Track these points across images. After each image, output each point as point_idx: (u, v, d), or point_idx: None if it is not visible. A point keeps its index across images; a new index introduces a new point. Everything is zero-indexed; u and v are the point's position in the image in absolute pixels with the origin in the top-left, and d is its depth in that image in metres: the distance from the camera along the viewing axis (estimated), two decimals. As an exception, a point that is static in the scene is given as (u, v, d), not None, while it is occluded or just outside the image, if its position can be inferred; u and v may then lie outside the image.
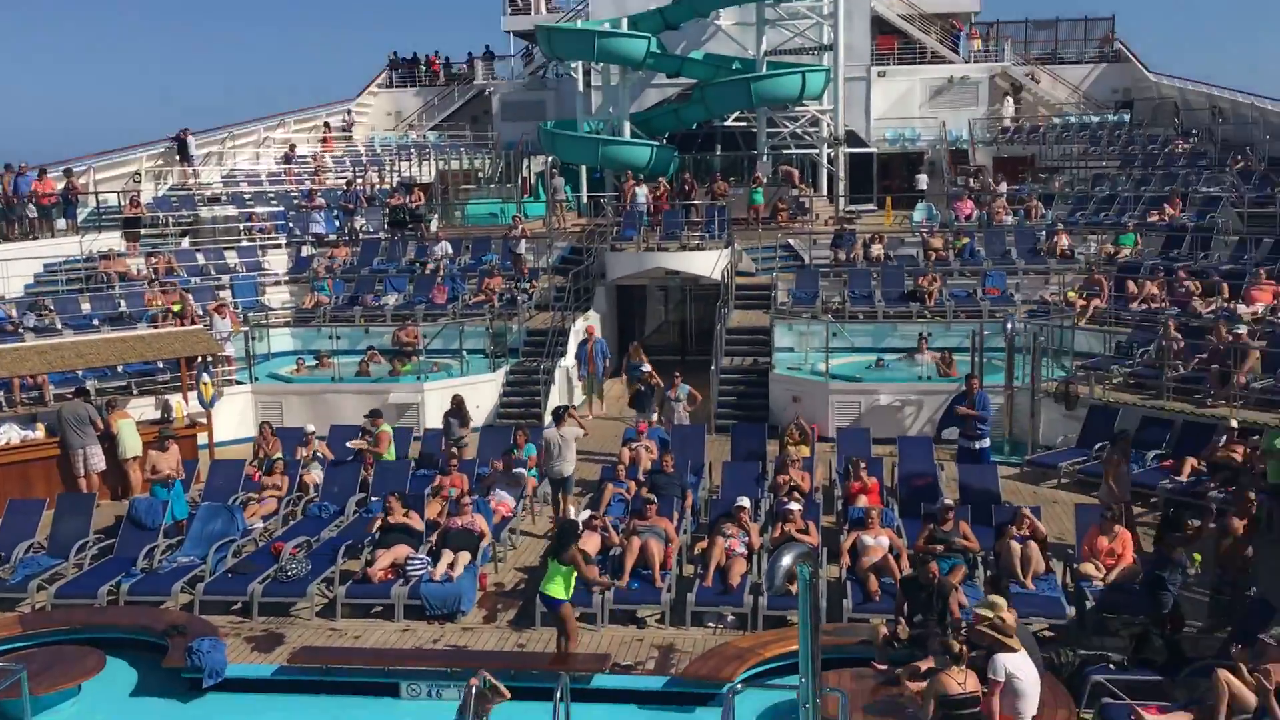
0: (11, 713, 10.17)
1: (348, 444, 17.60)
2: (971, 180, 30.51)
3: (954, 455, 17.30)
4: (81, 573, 13.87)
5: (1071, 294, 21.92)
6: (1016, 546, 12.59)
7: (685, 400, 19.16)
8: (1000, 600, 9.62)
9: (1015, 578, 12.32)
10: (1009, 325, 18.98)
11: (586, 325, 21.33)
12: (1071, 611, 11.87)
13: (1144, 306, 21.06)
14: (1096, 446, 17.05)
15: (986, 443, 16.95)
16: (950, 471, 16.57)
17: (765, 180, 30.55)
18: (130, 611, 12.75)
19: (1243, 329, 18.17)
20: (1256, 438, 15.21)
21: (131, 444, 17.44)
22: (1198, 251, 23.32)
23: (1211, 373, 17.50)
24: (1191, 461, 15.84)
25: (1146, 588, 11.55)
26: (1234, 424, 15.81)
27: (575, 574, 11.40)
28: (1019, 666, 9.26)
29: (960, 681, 9.10)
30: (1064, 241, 24.68)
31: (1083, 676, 10.24)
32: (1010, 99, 36.81)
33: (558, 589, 11.30)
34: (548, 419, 20.96)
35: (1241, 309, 19.66)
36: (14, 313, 22.15)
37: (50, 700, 10.80)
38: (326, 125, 38.35)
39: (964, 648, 9.33)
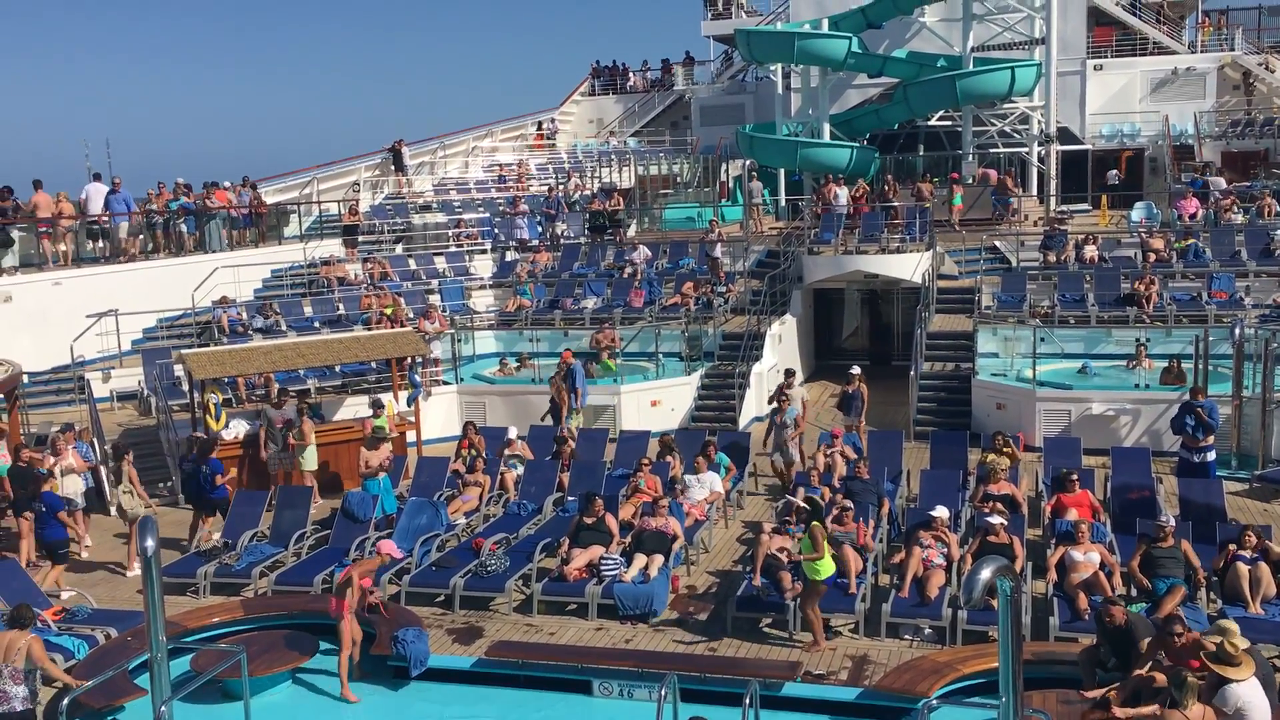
0: (232, 691, 10.85)
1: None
2: (1198, 174, 28.60)
3: (1174, 468, 16.28)
4: (299, 561, 14.69)
5: (1310, 297, 20.30)
6: (1244, 568, 11.73)
7: (791, 425, 17.42)
8: (1233, 625, 8.84)
9: (1243, 600, 11.47)
10: (1237, 330, 17.70)
11: (564, 350, 20.76)
12: (1306, 640, 10.96)
13: (1393, 311, 19.32)
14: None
15: (1211, 455, 15.87)
16: (1170, 486, 15.60)
17: (968, 181, 29.54)
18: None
19: None
20: None
21: (309, 457, 17.67)
22: None
23: None
24: None
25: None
26: None
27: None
28: (1250, 698, 8.56)
29: None
30: (1301, 241, 22.92)
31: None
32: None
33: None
34: (743, 422, 20.94)
35: None
36: (244, 315, 23.66)
37: (267, 681, 11.45)
38: (540, 125, 39.59)
39: (1196, 680, 8.53)
